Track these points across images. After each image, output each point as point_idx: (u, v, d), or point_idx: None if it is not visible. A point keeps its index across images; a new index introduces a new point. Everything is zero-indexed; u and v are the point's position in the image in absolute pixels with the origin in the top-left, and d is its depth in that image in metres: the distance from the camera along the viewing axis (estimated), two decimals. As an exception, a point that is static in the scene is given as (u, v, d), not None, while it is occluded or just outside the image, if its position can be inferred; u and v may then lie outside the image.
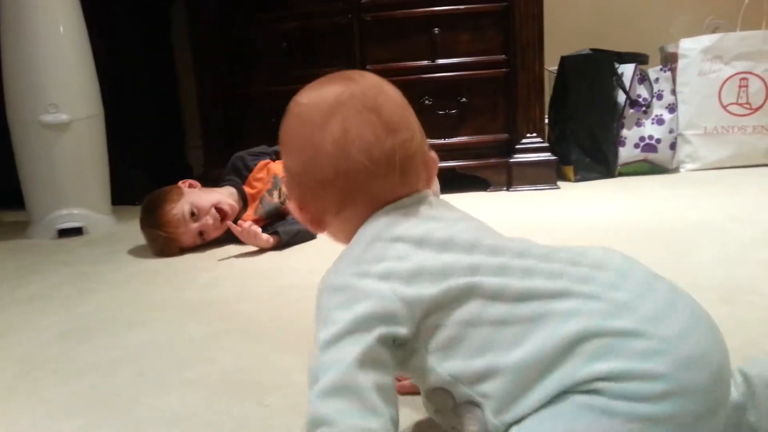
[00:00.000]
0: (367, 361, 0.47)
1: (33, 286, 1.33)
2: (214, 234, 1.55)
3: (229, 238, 1.57)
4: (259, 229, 1.50)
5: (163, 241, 1.51)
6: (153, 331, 1.00)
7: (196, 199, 1.53)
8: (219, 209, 1.54)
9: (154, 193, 1.57)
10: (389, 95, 0.57)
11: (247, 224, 1.49)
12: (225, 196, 1.60)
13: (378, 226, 0.54)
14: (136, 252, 1.58)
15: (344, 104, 0.55)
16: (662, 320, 0.46)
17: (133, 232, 1.67)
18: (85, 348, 0.96)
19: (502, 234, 0.56)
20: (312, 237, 1.57)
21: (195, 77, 2.27)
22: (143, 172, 2.38)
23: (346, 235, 0.58)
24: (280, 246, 1.50)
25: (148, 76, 2.48)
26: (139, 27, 2.43)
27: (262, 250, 1.49)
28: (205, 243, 1.56)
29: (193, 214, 1.51)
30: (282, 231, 1.51)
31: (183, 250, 1.53)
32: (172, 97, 2.69)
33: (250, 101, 2.21)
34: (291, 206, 0.62)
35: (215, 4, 2.16)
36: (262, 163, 1.66)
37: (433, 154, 0.61)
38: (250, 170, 1.66)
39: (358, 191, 0.56)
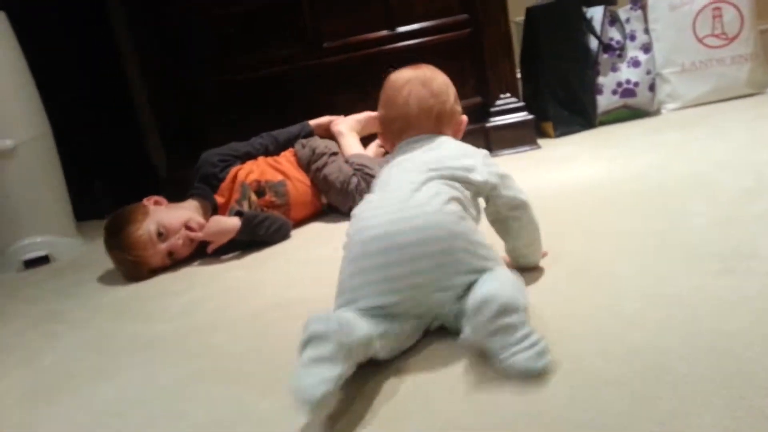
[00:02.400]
0: None
1: (-4, 335, 1.25)
2: (184, 253, 1.47)
3: (198, 253, 1.49)
4: (221, 217, 1.47)
5: (131, 265, 1.43)
6: (121, 384, 0.92)
7: (163, 218, 1.45)
8: (189, 228, 1.46)
9: (117, 214, 1.48)
10: (436, 78, 0.96)
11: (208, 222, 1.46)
12: (193, 212, 1.51)
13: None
14: (105, 279, 1.50)
15: (411, 80, 0.95)
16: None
17: (100, 252, 1.58)
18: (48, 412, 0.88)
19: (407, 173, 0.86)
20: (283, 235, 1.50)
21: (140, 71, 2.13)
22: (107, 182, 2.28)
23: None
24: (246, 230, 1.44)
25: (96, 84, 2.35)
26: (78, 35, 2.29)
27: (233, 260, 1.42)
28: (175, 263, 1.48)
29: (160, 234, 1.43)
30: (246, 212, 1.47)
31: (153, 272, 1.45)
32: (125, 101, 2.57)
33: (202, 95, 2.10)
34: (380, 138, 1.01)
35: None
36: (231, 171, 1.58)
37: (464, 117, 1.00)
38: (220, 180, 1.58)
39: (409, 125, 0.95)
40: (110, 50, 2.54)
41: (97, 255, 1.65)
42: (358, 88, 2.00)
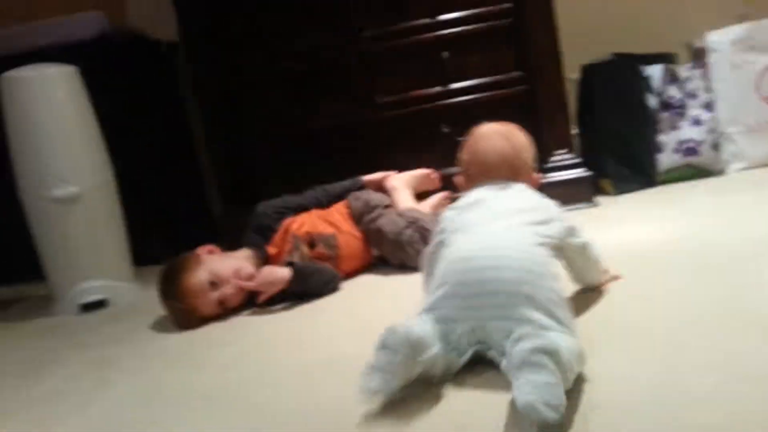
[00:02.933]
0: None
1: (51, 379, 1.27)
2: (235, 302, 1.48)
3: (249, 303, 1.50)
4: (273, 267, 1.48)
5: (182, 313, 1.44)
6: (167, 437, 0.92)
7: (216, 267, 1.47)
8: (240, 277, 1.47)
9: (172, 262, 1.51)
10: (517, 135, 1.12)
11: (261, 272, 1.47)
12: (245, 261, 1.53)
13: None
14: (158, 326, 1.52)
15: (496, 132, 1.11)
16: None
17: (156, 298, 1.60)
18: (96, 463, 0.88)
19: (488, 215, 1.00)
20: (333, 288, 1.50)
21: (202, 124, 2.21)
22: (166, 227, 2.34)
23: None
24: (297, 281, 1.44)
25: (160, 133, 2.44)
26: (144, 81, 2.39)
27: (282, 311, 1.42)
28: (226, 312, 1.49)
29: (212, 283, 1.45)
30: (297, 263, 1.48)
31: (204, 321, 1.46)
32: (186, 147, 2.66)
33: (260, 148, 2.15)
34: (458, 178, 1.15)
35: (213, 48, 2.10)
36: (284, 223, 1.61)
37: (538, 175, 1.14)
38: (273, 231, 1.61)
39: (488, 171, 1.08)
40: (175, 101, 2.65)
41: (153, 301, 1.67)
42: (411, 144, 2.02)
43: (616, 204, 1.88)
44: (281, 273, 1.45)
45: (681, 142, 1.99)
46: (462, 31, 1.98)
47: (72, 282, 1.78)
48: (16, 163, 1.78)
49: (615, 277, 1.16)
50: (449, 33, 1.98)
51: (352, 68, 2.03)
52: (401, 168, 1.84)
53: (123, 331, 1.54)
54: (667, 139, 2.01)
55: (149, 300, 1.73)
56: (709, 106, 1.99)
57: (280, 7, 2.03)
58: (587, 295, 1.13)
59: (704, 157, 1.98)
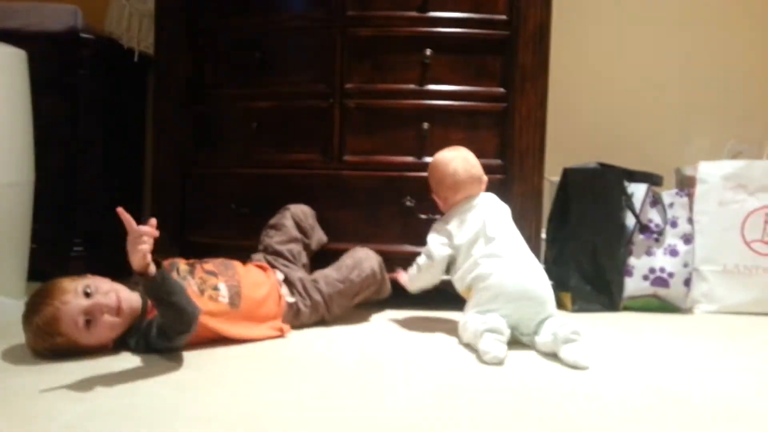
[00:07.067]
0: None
1: None
2: (104, 325, 1.26)
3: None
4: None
5: (42, 320, 1.22)
6: None
7: (98, 282, 1.29)
8: (119, 298, 1.28)
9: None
10: (473, 157, 1.61)
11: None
12: (130, 293, 1.33)
13: (455, 209, 1.57)
14: (12, 356, 1.28)
15: (455, 158, 1.59)
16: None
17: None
18: None
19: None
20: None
21: (153, 150, 2.03)
22: (86, 247, 2.11)
23: (449, 209, 1.59)
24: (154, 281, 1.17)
25: (113, 147, 2.26)
26: (110, 95, 2.23)
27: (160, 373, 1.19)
28: (82, 349, 1.26)
29: (87, 294, 1.24)
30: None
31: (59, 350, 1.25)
32: (134, 172, 2.47)
33: (211, 181, 1.97)
34: (437, 201, 1.63)
35: (184, 74, 1.95)
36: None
37: (485, 177, 1.61)
38: None
39: (458, 189, 1.56)
40: (136, 123, 2.50)
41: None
42: (370, 210, 1.85)
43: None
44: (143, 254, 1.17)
45: (652, 270, 1.85)
46: (448, 105, 1.85)
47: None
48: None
49: None
50: (434, 104, 1.85)
51: (327, 120, 1.87)
52: (349, 229, 1.83)
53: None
54: (638, 263, 1.87)
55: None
56: (687, 239, 1.86)
57: (265, 49, 1.90)
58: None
59: (673, 291, 1.84)
